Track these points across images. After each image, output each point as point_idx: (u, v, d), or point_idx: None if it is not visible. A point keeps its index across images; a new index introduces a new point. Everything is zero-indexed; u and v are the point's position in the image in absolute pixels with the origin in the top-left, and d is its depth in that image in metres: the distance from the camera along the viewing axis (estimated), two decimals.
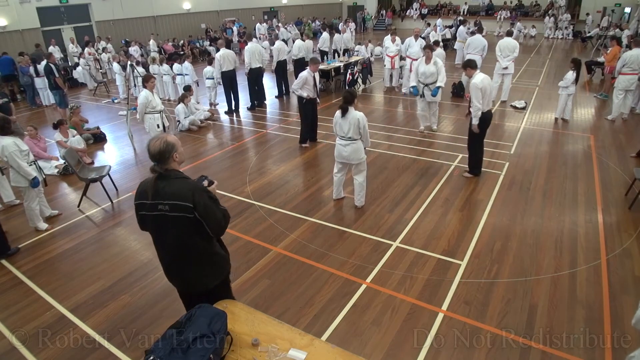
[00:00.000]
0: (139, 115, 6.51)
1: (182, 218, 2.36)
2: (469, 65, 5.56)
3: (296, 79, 7.12)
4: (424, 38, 11.37)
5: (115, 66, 11.55)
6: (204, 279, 2.58)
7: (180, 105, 8.68)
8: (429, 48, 7.33)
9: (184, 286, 2.67)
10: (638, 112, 8.63)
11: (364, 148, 4.92)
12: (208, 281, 2.59)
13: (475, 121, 5.48)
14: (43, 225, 5.04)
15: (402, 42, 10.61)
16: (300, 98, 7.06)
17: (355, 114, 4.68)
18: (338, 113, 4.79)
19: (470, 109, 5.63)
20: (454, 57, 14.45)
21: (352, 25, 20.34)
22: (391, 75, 11.34)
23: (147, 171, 6.93)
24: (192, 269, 2.54)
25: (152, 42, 16.68)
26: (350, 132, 4.75)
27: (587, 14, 21.57)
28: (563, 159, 6.48)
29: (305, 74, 6.89)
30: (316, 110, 7.38)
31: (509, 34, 9.52)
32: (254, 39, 9.92)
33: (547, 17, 22.78)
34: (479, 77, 5.39)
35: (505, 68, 9.19)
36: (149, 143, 2.41)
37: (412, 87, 7.49)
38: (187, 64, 10.69)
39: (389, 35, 10.88)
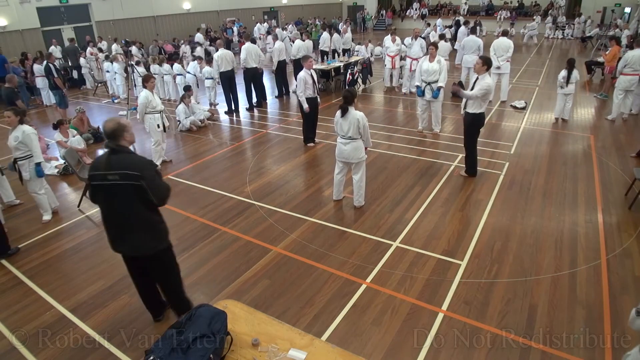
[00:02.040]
0: (139, 116, 6.50)
1: (130, 186, 2.76)
2: (487, 64, 5.36)
3: (296, 79, 7.12)
4: (424, 38, 11.38)
5: (116, 66, 11.55)
6: (150, 242, 2.96)
7: (181, 105, 8.69)
8: (433, 46, 7.35)
9: (132, 250, 3.01)
10: (634, 112, 8.61)
11: (365, 148, 4.93)
12: (153, 245, 2.98)
13: (461, 94, 5.56)
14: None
15: (403, 42, 10.64)
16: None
17: (355, 113, 4.70)
18: (338, 113, 4.80)
19: (464, 108, 5.64)
20: (453, 58, 14.45)
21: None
22: (391, 75, 11.34)
23: None
24: (138, 234, 2.92)
25: (199, 34, 17.12)
26: (350, 132, 4.77)
27: (581, 14, 21.59)
28: (563, 159, 6.48)
29: (302, 74, 6.88)
30: (317, 110, 7.38)
31: (505, 33, 9.53)
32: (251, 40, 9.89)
33: (537, 17, 22.78)
34: (490, 79, 5.40)
35: (499, 68, 9.19)
36: (104, 123, 2.85)
37: (417, 86, 7.52)
38: (192, 63, 10.69)
39: (389, 35, 10.89)
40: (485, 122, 8.27)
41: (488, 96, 5.43)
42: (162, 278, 3.23)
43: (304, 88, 6.89)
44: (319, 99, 7.31)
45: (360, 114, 4.72)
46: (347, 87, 10.94)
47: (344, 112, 4.73)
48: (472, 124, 5.63)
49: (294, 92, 7.09)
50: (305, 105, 6.96)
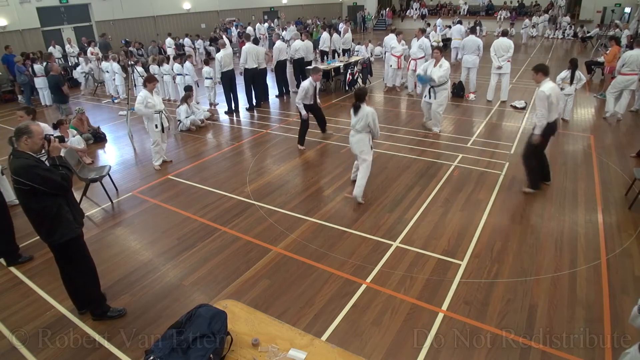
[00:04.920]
0: (142, 110, 6.42)
1: (19, 189, 2.96)
2: (542, 70, 4.94)
3: (296, 79, 7.14)
4: (427, 37, 11.42)
5: (115, 66, 11.55)
6: (50, 236, 3.13)
7: (183, 106, 8.68)
8: (438, 50, 7.38)
9: (40, 238, 3.23)
10: (634, 109, 8.61)
11: (372, 140, 5.23)
12: (53, 238, 3.14)
13: (537, 131, 5.00)
14: None
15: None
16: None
17: (366, 109, 5.07)
18: (352, 109, 5.17)
19: (535, 121, 5.08)
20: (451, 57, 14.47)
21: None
22: (395, 75, 11.34)
23: (147, 171, 6.96)
24: (36, 228, 3.14)
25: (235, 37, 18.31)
26: (358, 125, 5.10)
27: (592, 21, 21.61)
28: (563, 159, 6.48)
29: (307, 84, 6.95)
30: (318, 109, 7.49)
31: (504, 33, 9.52)
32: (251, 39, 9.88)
33: (535, 17, 22.68)
34: (547, 86, 4.87)
35: (500, 68, 9.19)
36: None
37: (418, 75, 7.54)
38: (187, 64, 10.68)
39: (391, 34, 10.92)
40: (486, 121, 8.36)
41: (551, 106, 4.89)
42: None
43: (304, 96, 6.98)
44: (318, 102, 7.44)
45: (371, 110, 5.06)
46: (347, 87, 11.06)
47: (356, 110, 5.09)
48: (540, 135, 5.10)
49: (297, 104, 7.11)
50: (304, 112, 7.06)
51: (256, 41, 10.31)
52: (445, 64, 7.26)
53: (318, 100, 7.40)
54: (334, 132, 7.92)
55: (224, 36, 11.13)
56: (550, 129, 5.10)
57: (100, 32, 16.30)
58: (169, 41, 16.89)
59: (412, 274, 3.96)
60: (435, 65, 7.26)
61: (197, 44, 18.30)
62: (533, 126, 5.16)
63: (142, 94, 6.31)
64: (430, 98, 7.46)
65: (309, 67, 11.07)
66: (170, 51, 16.64)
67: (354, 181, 5.56)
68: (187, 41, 17.81)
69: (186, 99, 8.74)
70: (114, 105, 11.31)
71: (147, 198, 5.77)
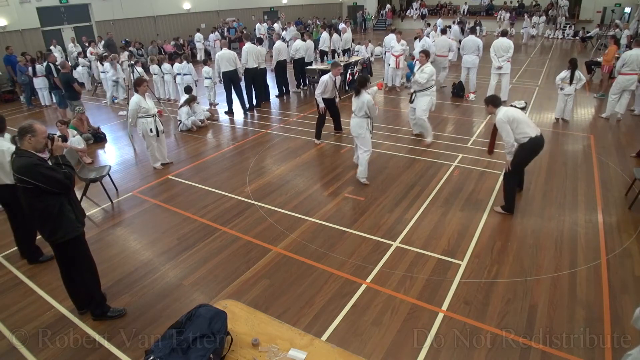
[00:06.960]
0: (131, 120, 6.45)
1: (22, 187, 2.99)
2: (491, 103, 4.78)
3: (296, 79, 7.17)
4: (427, 36, 11.44)
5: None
6: (53, 235, 3.16)
7: (185, 107, 8.66)
8: (423, 53, 7.08)
9: (43, 237, 3.26)
10: (637, 113, 8.61)
11: (370, 124, 5.54)
12: (56, 237, 3.17)
13: (508, 157, 4.78)
14: None
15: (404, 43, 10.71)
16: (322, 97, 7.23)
17: (365, 97, 5.36)
18: (354, 93, 5.55)
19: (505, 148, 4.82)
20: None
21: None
22: (394, 75, 11.34)
23: (147, 171, 6.95)
24: (39, 226, 3.17)
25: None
26: (357, 110, 5.46)
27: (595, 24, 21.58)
28: (563, 159, 6.48)
29: (326, 78, 7.08)
30: (335, 107, 7.62)
31: (504, 33, 9.50)
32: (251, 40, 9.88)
33: (535, 17, 22.55)
34: (500, 112, 4.65)
35: (500, 68, 9.18)
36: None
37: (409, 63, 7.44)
38: (187, 63, 10.68)
39: (391, 34, 10.92)
40: (486, 121, 8.35)
41: (518, 124, 4.61)
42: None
43: (324, 90, 7.10)
44: (337, 99, 7.56)
45: (369, 98, 5.35)
46: (347, 87, 11.06)
47: (357, 93, 5.46)
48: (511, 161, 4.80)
49: (317, 97, 7.18)
50: (322, 105, 7.18)
51: (260, 41, 10.29)
52: (427, 68, 6.86)
53: (337, 99, 7.54)
54: (335, 132, 7.92)
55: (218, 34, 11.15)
56: (536, 145, 4.68)
57: (99, 32, 16.32)
58: (198, 36, 17.29)
59: (412, 274, 3.96)
60: (418, 69, 7.01)
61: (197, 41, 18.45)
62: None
63: (134, 99, 6.26)
64: (413, 102, 7.21)
65: (309, 67, 11.11)
66: (200, 46, 16.96)
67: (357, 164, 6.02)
68: (212, 37, 18.19)
69: (189, 101, 8.71)
70: (114, 106, 11.31)
71: (147, 198, 5.78)
